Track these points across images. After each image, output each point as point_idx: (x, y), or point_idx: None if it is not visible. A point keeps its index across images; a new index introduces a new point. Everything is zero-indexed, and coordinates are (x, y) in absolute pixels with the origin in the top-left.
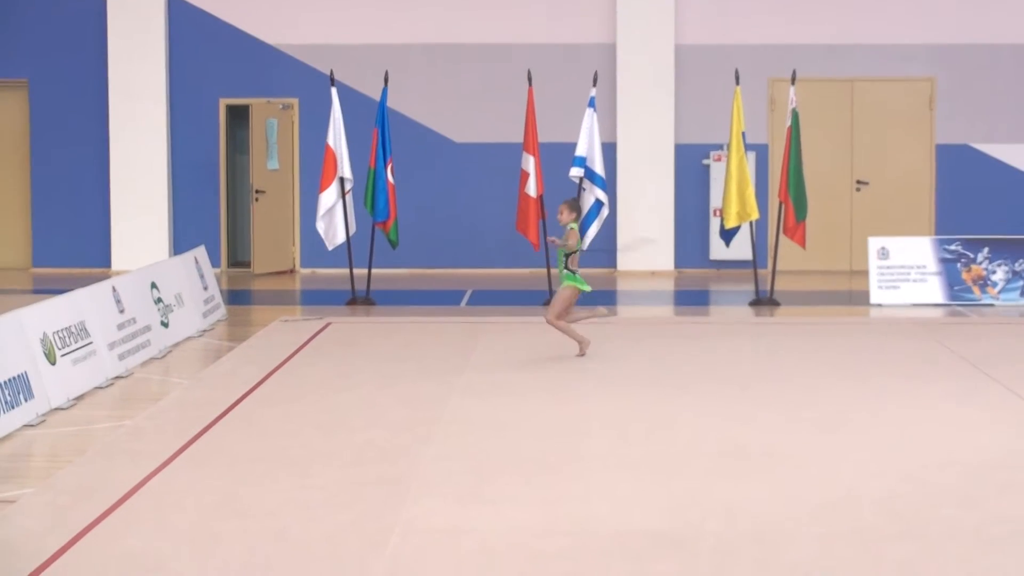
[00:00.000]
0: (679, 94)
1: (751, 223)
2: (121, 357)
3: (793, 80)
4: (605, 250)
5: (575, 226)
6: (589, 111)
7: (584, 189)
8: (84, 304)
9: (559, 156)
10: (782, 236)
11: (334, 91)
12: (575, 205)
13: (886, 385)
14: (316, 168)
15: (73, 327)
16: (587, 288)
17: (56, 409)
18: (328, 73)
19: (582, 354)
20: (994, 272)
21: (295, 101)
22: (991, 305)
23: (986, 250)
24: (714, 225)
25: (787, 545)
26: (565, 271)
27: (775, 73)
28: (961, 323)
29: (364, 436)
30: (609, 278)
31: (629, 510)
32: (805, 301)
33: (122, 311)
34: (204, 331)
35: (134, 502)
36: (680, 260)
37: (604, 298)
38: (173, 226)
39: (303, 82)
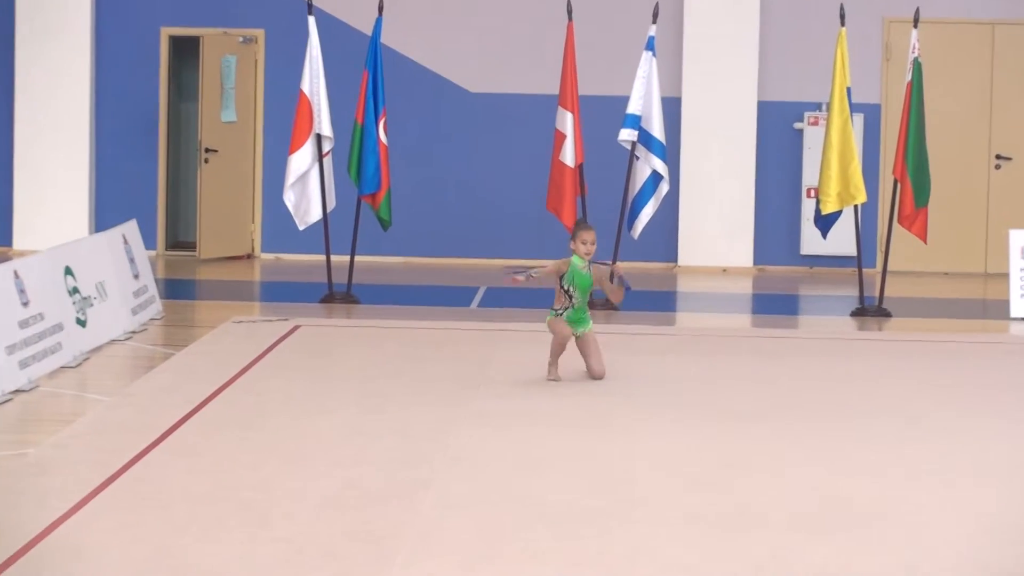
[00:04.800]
0: (765, 37)
1: (856, 208)
2: (23, 365)
3: (916, 22)
4: (664, 239)
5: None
6: (646, 55)
7: (638, 157)
8: None
9: (606, 113)
10: (896, 226)
11: (312, 21)
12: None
13: None
14: (286, 122)
15: None
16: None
17: None
18: None
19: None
20: None
21: (260, 33)
22: None
23: None
24: (807, 209)
25: None
26: (586, 312)
27: (893, 12)
28: None
29: (342, 475)
30: (668, 276)
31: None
32: (924, 312)
33: (25, 304)
34: (133, 333)
35: (37, 555)
36: (761, 255)
37: (662, 300)
38: (95, 195)
39: (271, 8)
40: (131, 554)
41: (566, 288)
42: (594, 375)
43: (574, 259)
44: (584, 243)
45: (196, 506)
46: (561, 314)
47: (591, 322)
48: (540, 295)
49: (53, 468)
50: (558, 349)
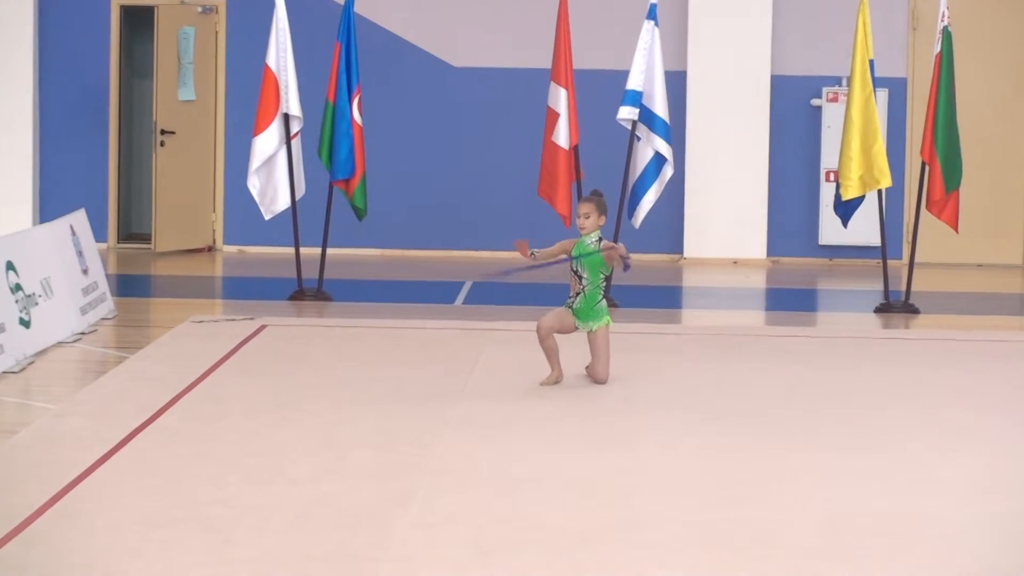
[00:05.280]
0: (779, 4)
1: (880, 193)
2: None
3: None
4: (668, 228)
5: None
6: (648, 25)
7: (639, 138)
8: None
9: (603, 90)
10: (925, 213)
11: None
12: (602, 202)
13: None
14: (250, 101)
15: None
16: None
17: None
18: None
19: (551, 382)
20: None
21: (220, 2)
22: None
23: None
24: (827, 195)
25: None
26: (602, 301)
27: None
28: None
29: (313, 489)
30: (673, 269)
31: None
32: (956, 308)
33: None
34: (82, 334)
35: None
36: (776, 245)
37: (666, 296)
38: (39, 182)
39: None
40: None
41: (575, 269)
42: (594, 378)
43: (583, 236)
44: (578, 216)
45: (152, 526)
46: (573, 303)
47: (607, 317)
48: (533, 291)
49: None
50: (545, 347)
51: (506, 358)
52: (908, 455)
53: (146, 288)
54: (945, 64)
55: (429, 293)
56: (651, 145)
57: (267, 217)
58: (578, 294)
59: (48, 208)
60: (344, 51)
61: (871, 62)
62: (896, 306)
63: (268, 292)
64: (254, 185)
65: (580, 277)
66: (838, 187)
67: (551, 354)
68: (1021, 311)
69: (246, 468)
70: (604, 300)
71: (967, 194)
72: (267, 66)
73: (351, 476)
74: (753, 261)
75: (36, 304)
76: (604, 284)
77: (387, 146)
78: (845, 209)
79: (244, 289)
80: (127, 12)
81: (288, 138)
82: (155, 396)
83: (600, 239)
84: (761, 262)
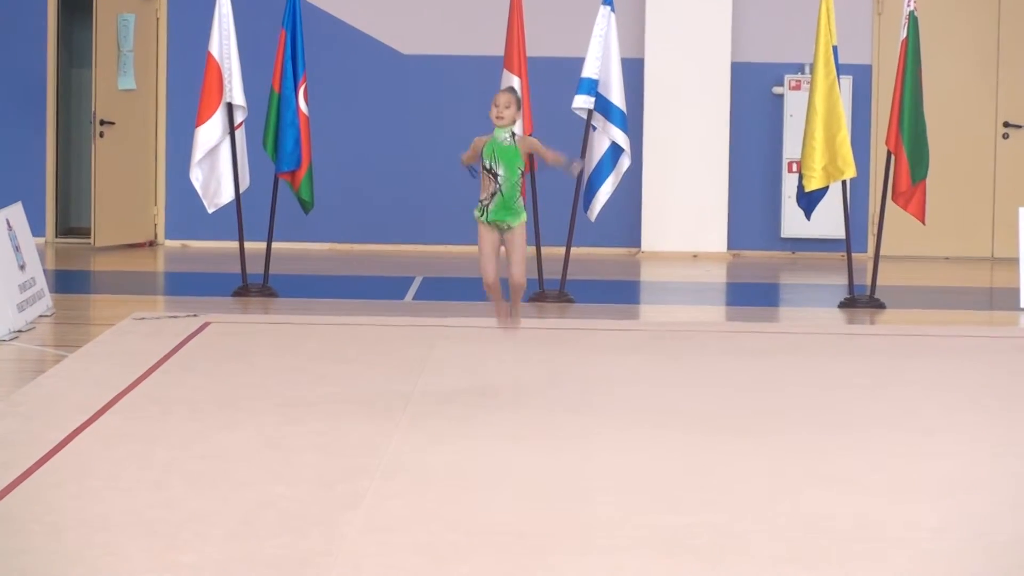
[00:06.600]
0: None
1: (844, 184)
2: None
3: None
4: (626, 221)
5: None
6: (604, 11)
7: (595, 127)
8: None
9: (558, 78)
10: (890, 205)
11: None
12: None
13: None
14: (192, 90)
15: None
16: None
17: None
18: None
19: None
20: None
21: None
22: None
23: None
24: (789, 186)
25: None
26: (519, 199)
27: None
28: None
29: (259, 494)
30: (630, 263)
31: None
32: (923, 303)
33: None
34: (19, 332)
35: None
36: (737, 238)
37: (623, 291)
38: None
39: None
40: None
41: (488, 167)
42: (511, 281)
43: (495, 131)
44: (496, 106)
45: (91, 530)
46: (487, 206)
47: (524, 213)
48: (480, 287)
49: None
50: (494, 297)
51: (457, 356)
52: (877, 455)
53: (86, 284)
54: (911, 50)
55: (378, 289)
56: (607, 135)
57: (210, 210)
58: (493, 194)
59: None
60: (289, 38)
61: (835, 48)
62: (861, 300)
63: (212, 288)
64: (197, 177)
65: (495, 175)
66: (801, 178)
67: (498, 300)
68: (990, 305)
69: (190, 471)
70: (521, 198)
71: (934, 185)
72: (210, 54)
73: (298, 479)
74: (713, 254)
75: None
76: (521, 181)
77: (334, 137)
78: (808, 201)
79: (187, 285)
80: None
81: (232, 128)
82: (95, 396)
83: (513, 134)
84: (721, 255)
